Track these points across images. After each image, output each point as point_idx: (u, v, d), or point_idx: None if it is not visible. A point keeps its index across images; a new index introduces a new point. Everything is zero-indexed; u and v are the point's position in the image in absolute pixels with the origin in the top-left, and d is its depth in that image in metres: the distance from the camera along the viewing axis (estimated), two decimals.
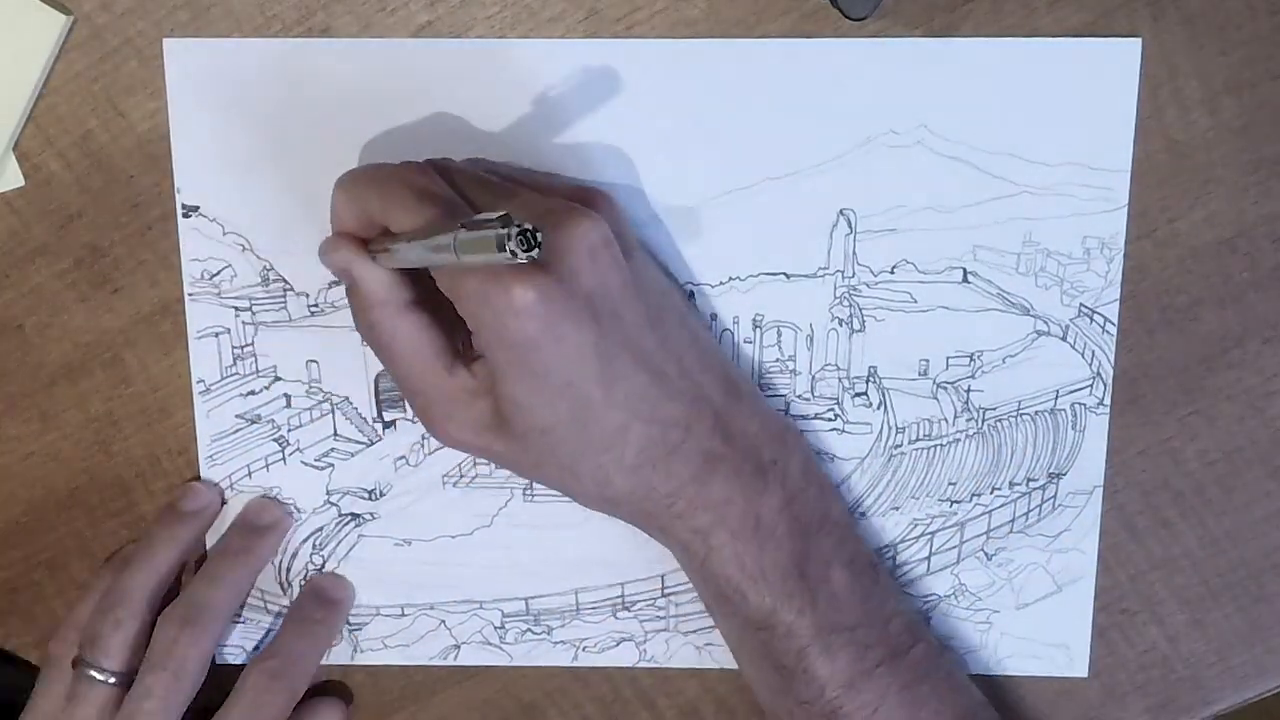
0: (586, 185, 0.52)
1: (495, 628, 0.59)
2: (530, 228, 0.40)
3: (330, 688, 0.60)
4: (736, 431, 0.51)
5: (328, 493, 0.58)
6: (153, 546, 0.56)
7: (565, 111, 0.54)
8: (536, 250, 0.40)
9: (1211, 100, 0.54)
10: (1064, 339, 0.55)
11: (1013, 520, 0.57)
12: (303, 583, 0.59)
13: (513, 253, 0.40)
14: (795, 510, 0.52)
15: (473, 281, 0.46)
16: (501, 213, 0.41)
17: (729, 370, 0.53)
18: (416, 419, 0.52)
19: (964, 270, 0.55)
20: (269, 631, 0.59)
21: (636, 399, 0.49)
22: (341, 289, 0.56)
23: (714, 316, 0.55)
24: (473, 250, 0.42)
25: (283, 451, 0.58)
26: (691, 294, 0.55)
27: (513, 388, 0.48)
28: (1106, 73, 0.53)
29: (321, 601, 0.58)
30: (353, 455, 0.58)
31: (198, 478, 0.58)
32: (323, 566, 0.58)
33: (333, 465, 0.58)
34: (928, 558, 0.58)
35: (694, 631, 0.59)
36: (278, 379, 0.57)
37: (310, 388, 0.57)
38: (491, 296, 0.46)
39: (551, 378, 0.47)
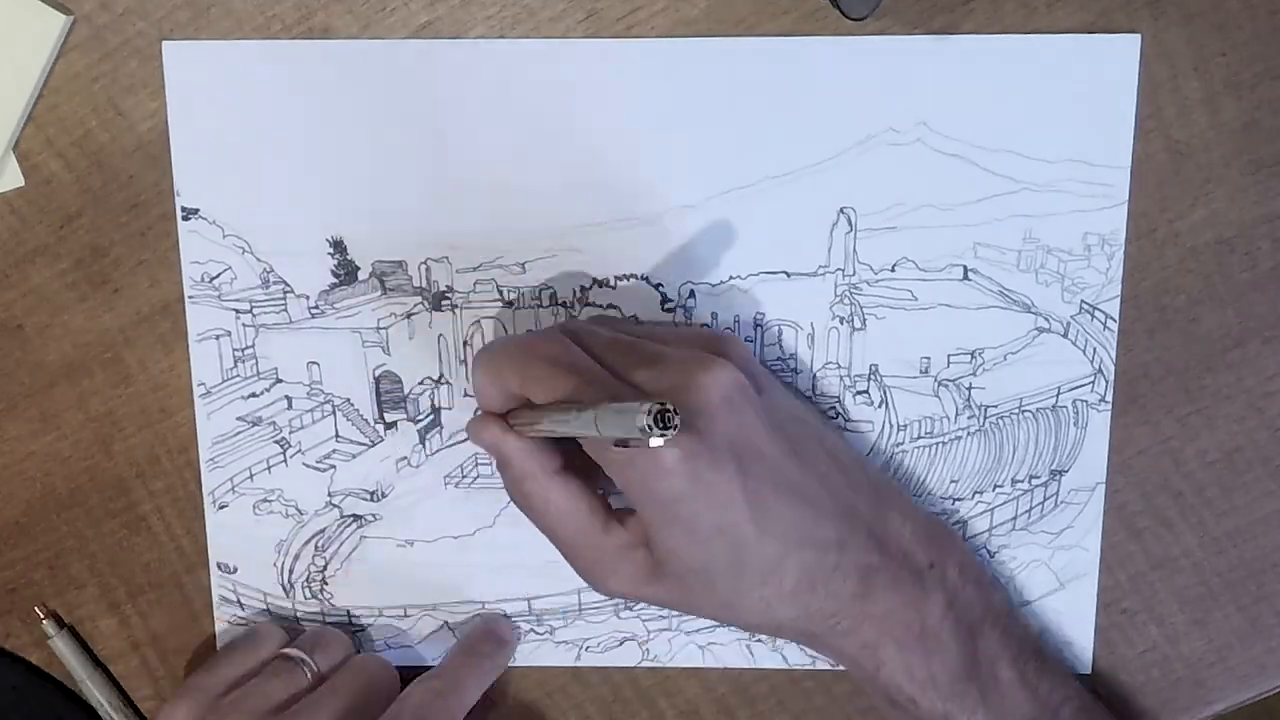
0: (712, 331, 0.53)
1: None
2: (670, 407, 0.42)
3: None
4: (891, 540, 0.52)
5: (329, 494, 0.58)
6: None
7: (565, 111, 0.54)
8: (672, 431, 0.42)
9: (1211, 100, 0.54)
10: (1065, 336, 0.55)
11: (1015, 517, 0.57)
12: (304, 585, 0.59)
13: (648, 429, 0.42)
14: (958, 611, 0.52)
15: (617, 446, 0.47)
16: (647, 401, 0.42)
17: (875, 480, 0.53)
18: (574, 567, 0.53)
19: (964, 268, 0.55)
20: None
21: (789, 529, 0.49)
22: (342, 291, 0.56)
23: (714, 316, 0.55)
24: (614, 428, 0.43)
25: (284, 453, 0.58)
26: (692, 301, 0.55)
27: (667, 539, 0.49)
28: (1106, 69, 0.53)
29: (492, 639, 0.59)
30: (354, 457, 0.58)
31: (198, 478, 0.58)
32: (325, 568, 0.58)
33: (334, 467, 0.58)
34: None
35: (696, 631, 0.59)
36: (279, 381, 0.57)
37: (311, 389, 0.57)
38: (637, 459, 0.47)
39: (703, 524, 0.48)
